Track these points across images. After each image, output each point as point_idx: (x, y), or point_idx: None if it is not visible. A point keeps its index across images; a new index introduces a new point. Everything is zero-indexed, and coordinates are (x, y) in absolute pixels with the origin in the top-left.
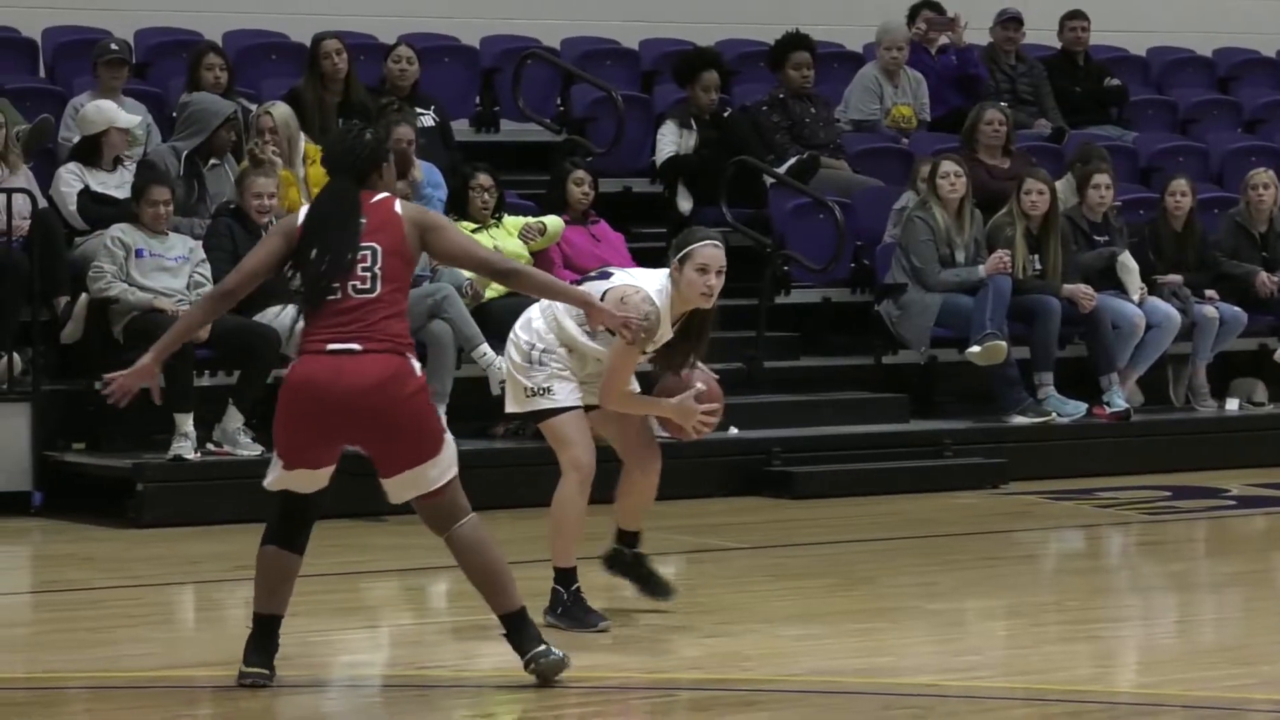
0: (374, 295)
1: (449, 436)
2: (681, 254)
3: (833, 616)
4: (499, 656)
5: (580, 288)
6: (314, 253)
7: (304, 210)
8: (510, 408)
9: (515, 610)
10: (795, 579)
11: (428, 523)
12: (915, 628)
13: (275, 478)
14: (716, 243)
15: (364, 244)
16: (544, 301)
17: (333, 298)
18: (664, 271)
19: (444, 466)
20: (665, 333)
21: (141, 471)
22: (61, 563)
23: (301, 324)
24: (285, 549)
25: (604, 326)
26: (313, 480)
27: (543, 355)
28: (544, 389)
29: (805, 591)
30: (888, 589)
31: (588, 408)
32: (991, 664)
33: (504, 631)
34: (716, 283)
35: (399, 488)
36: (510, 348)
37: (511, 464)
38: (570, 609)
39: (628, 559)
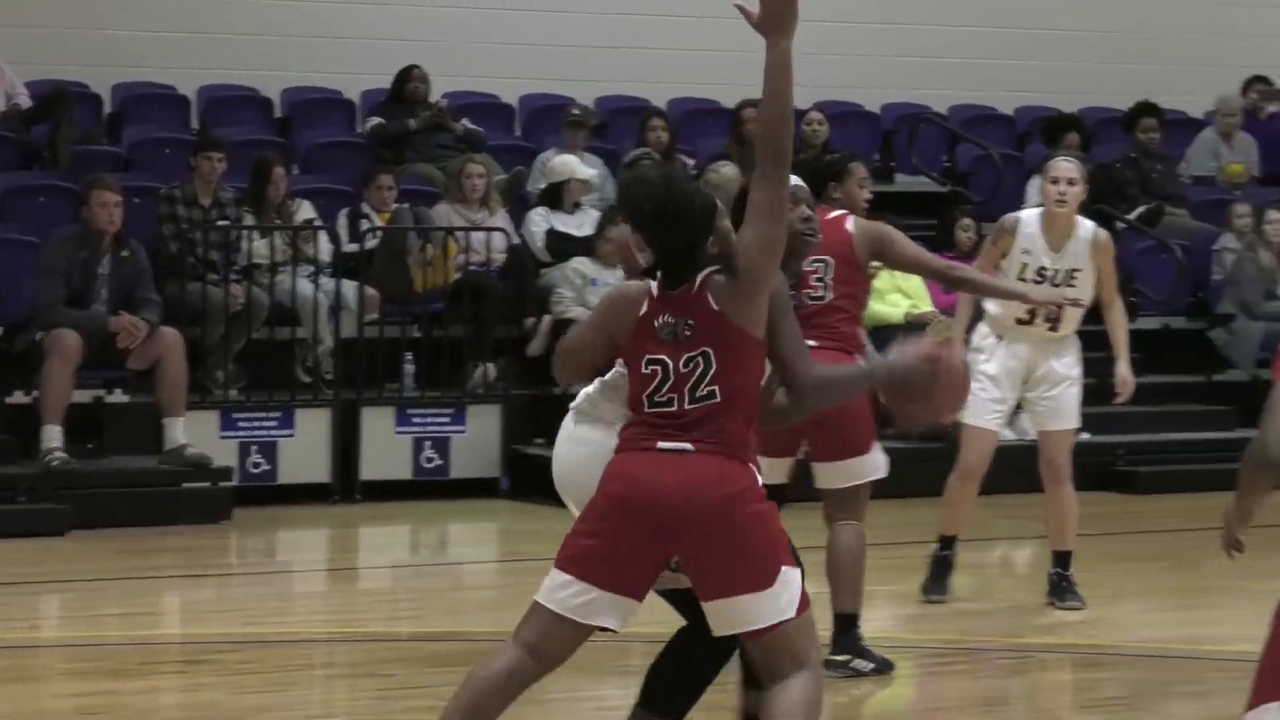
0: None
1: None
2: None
3: (1165, 593)
4: None
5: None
6: None
7: None
8: None
9: None
10: (1134, 561)
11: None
12: (1235, 603)
13: None
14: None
15: None
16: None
17: None
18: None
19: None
20: None
21: None
22: (522, 537)
23: None
24: None
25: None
26: None
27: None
28: None
29: (1141, 572)
30: (1212, 571)
31: None
32: None
33: None
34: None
35: None
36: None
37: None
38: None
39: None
